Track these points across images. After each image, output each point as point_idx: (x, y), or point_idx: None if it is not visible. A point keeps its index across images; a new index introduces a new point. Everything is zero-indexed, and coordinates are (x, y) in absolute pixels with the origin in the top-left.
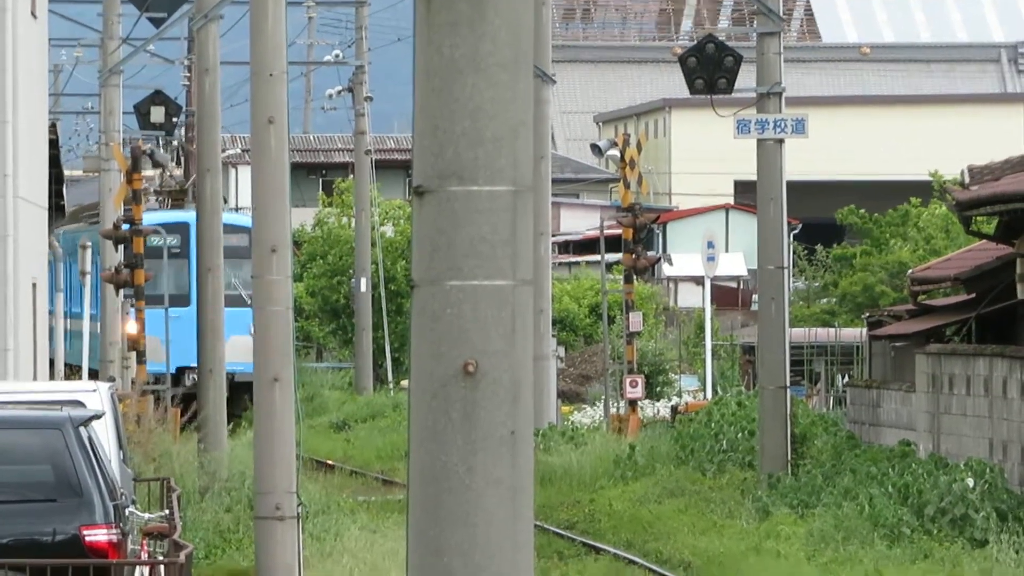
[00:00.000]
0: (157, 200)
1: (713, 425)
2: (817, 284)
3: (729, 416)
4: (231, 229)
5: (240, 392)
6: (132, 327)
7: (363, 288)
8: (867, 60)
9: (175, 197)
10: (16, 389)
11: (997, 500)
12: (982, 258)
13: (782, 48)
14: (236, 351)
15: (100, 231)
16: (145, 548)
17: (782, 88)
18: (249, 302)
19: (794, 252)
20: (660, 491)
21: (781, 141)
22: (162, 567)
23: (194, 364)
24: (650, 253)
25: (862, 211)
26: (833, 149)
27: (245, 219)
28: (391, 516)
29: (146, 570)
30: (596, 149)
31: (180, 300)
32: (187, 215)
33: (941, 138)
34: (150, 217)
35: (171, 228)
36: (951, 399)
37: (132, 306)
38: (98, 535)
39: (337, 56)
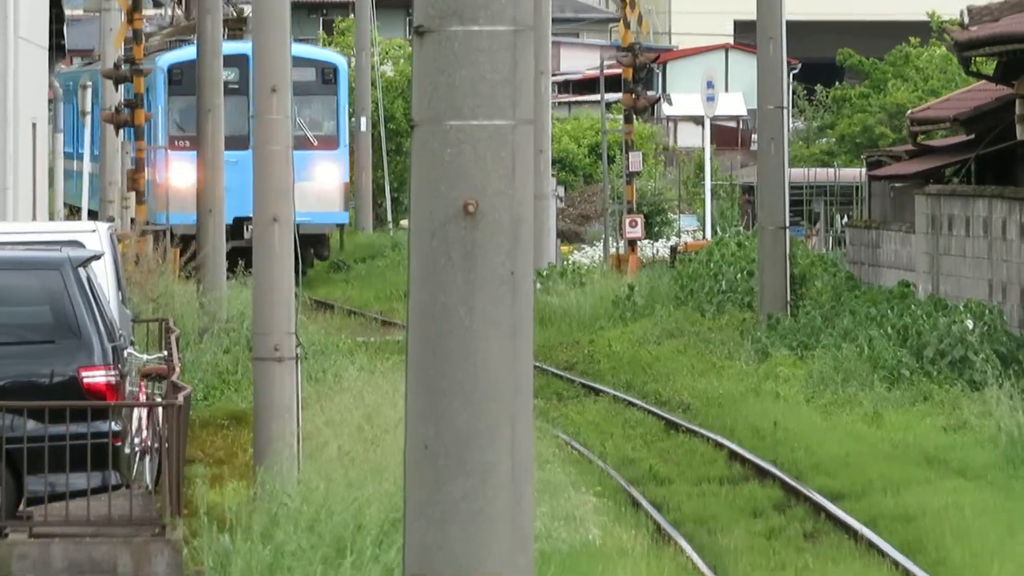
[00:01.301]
0: None
1: (712, 265)
2: (816, 124)
3: (728, 256)
4: (299, 62)
5: (306, 245)
6: (183, 174)
7: (363, 127)
8: None
9: (232, 26)
10: (15, 230)
11: (996, 342)
12: (981, 99)
13: None
14: (302, 200)
15: (101, 70)
16: (143, 389)
17: None
18: (315, 144)
19: (793, 92)
20: (659, 332)
21: None
22: (160, 409)
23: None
24: (650, 93)
25: (859, 56)
26: None
27: (314, 50)
28: (390, 357)
29: (144, 412)
30: None
31: (238, 142)
32: (245, 46)
33: None
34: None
35: (227, 61)
36: (950, 240)
37: (133, 151)
38: (96, 376)
39: None
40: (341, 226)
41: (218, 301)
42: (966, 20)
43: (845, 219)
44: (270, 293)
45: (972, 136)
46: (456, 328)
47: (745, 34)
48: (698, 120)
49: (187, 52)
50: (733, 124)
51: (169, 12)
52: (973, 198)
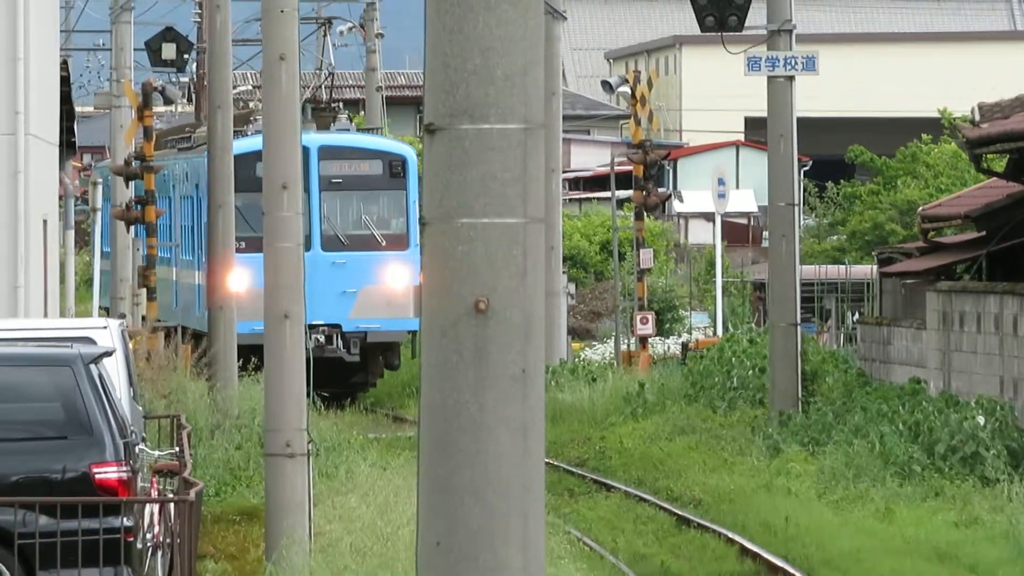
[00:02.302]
0: None
1: (724, 362)
2: (827, 221)
3: (740, 353)
4: (364, 154)
5: (375, 354)
6: (241, 279)
7: None
8: None
9: (237, 121)
10: (27, 326)
11: (1008, 438)
12: (992, 196)
13: None
14: (371, 305)
15: (111, 167)
16: (155, 486)
17: (793, 25)
18: (383, 243)
19: (805, 189)
20: (671, 428)
21: (792, 78)
22: (172, 504)
23: (321, 321)
24: (661, 189)
25: (870, 154)
26: (844, 86)
27: (381, 141)
28: (401, 453)
29: (156, 508)
30: (607, 86)
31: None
32: (306, 138)
33: (951, 75)
34: (255, 141)
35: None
36: (962, 336)
37: (143, 246)
38: (108, 472)
39: None
40: (413, 333)
41: (230, 397)
42: (977, 117)
43: (856, 316)
44: (281, 389)
45: (983, 233)
46: (467, 425)
47: (756, 131)
48: (709, 217)
49: (240, 145)
50: (744, 221)
51: (178, 109)
52: (984, 294)
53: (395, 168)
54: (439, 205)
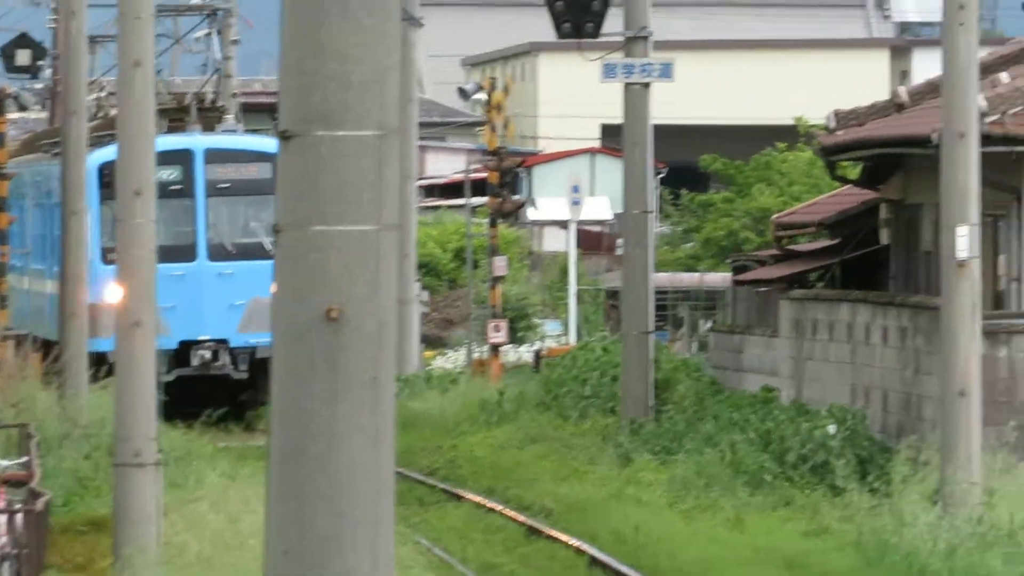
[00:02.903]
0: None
1: (577, 370)
2: (682, 228)
3: (593, 361)
4: (250, 156)
5: (265, 370)
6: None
7: None
8: (733, 4)
9: (172, 116)
10: None
11: (858, 447)
12: (846, 203)
13: None
14: (258, 317)
15: None
16: (3, 495)
17: (649, 32)
18: (235, 252)
19: (660, 196)
20: (522, 437)
21: (647, 85)
22: (19, 515)
23: (207, 336)
24: (515, 197)
25: (723, 161)
26: (700, 93)
27: (269, 142)
28: (251, 463)
29: (3, 518)
30: (463, 93)
31: (182, 253)
32: (191, 140)
33: (807, 82)
34: None
35: (169, 157)
36: (814, 345)
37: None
38: None
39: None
40: None
41: (80, 406)
42: (832, 124)
43: (709, 324)
44: (131, 398)
45: (837, 240)
46: (319, 432)
47: (611, 138)
48: (563, 224)
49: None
50: (598, 228)
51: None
52: (837, 303)
53: None
54: (293, 212)
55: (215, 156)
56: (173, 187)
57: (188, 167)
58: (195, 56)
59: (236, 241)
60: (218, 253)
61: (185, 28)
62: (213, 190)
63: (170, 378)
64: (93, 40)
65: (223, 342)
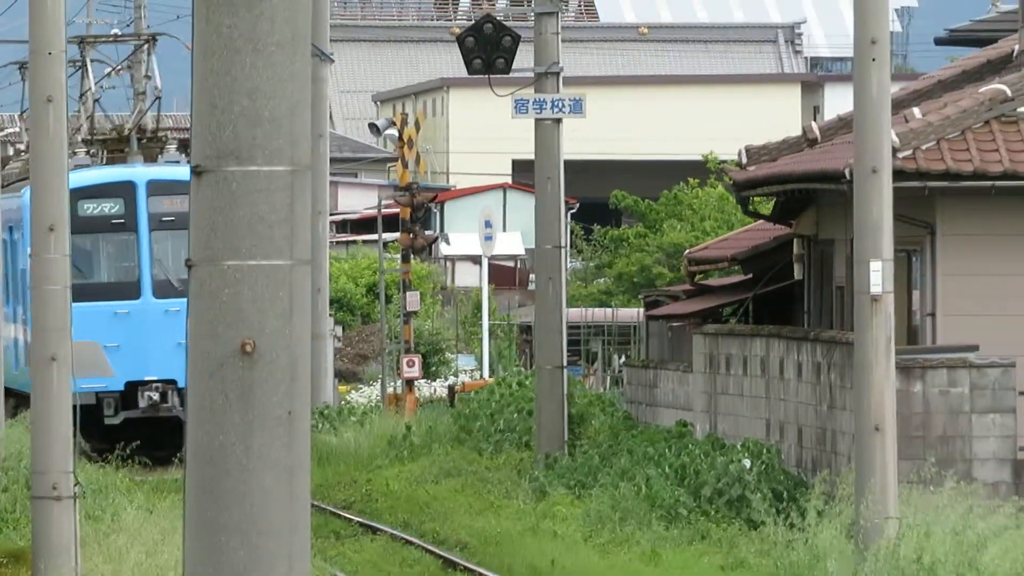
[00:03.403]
0: (88, 153)
1: (493, 404)
2: (594, 264)
3: (507, 396)
4: (171, 187)
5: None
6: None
7: None
8: (645, 40)
9: (111, 147)
10: None
11: (774, 481)
12: (758, 238)
13: (560, 28)
14: (179, 359)
15: None
16: None
17: (560, 68)
18: (182, 288)
19: (572, 232)
20: (437, 471)
21: (559, 121)
22: None
23: (154, 376)
24: (427, 232)
25: (634, 198)
26: (611, 129)
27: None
28: (168, 496)
29: None
30: (374, 128)
31: (126, 291)
32: (132, 172)
33: (719, 118)
34: (75, 177)
35: (109, 190)
36: (728, 379)
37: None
38: None
39: (116, 35)
40: None
41: None
42: (744, 160)
43: (623, 358)
44: (48, 431)
45: (750, 275)
46: (233, 467)
47: (523, 173)
48: (476, 259)
49: (108, 173)
50: (511, 263)
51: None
52: (751, 337)
53: None
54: (205, 247)
55: (158, 188)
56: (115, 221)
57: (130, 199)
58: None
59: (182, 277)
60: (164, 290)
61: (117, 57)
62: (157, 223)
63: (117, 421)
64: (23, 67)
65: (171, 382)
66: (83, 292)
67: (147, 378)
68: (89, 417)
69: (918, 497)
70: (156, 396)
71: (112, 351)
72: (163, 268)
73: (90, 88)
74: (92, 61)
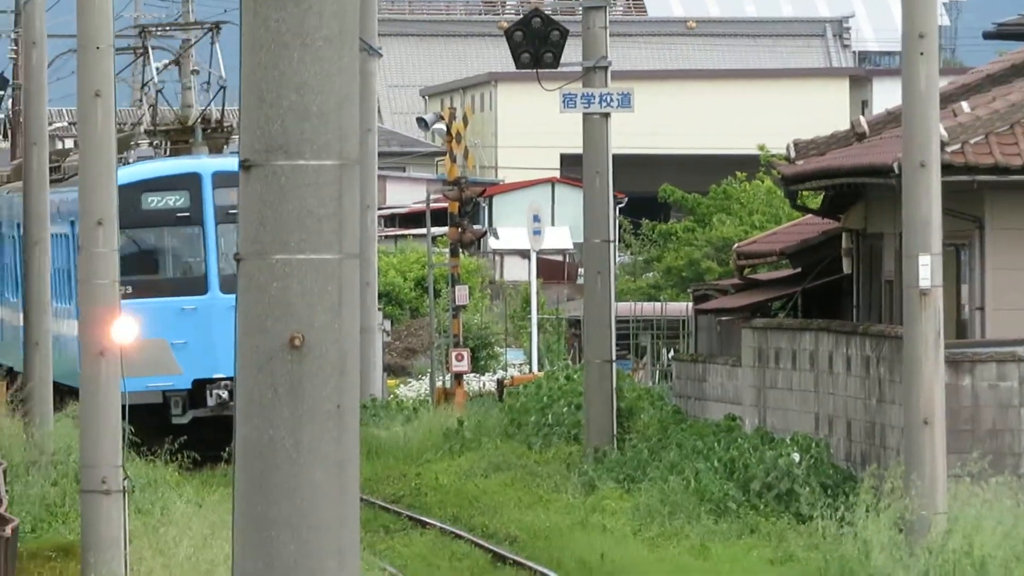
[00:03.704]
0: (151, 144)
1: (542, 399)
2: (643, 258)
3: (556, 390)
4: (238, 179)
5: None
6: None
7: None
8: (693, 34)
9: (175, 138)
10: None
11: (822, 475)
12: (807, 232)
13: (608, 22)
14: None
15: None
16: None
17: (608, 62)
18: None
19: (620, 226)
20: (486, 465)
21: (607, 115)
22: None
23: (223, 374)
24: (476, 226)
25: (682, 192)
26: (659, 123)
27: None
28: (217, 490)
29: None
30: (422, 123)
31: (193, 286)
32: (197, 163)
33: (767, 112)
34: (138, 170)
35: (174, 182)
36: (777, 373)
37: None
38: None
39: (178, 23)
40: None
41: (46, 434)
42: (793, 154)
43: (672, 352)
44: (97, 425)
45: (799, 270)
46: (283, 462)
47: (571, 167)
48: (524, 253)
49: (121, 175)
50: (559, 257)
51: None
52: (800, 331)
53: None
54: (254, 241)
55: (225, 179)
56: (180, 214)
57: (196, 192)
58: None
59: (234, 272)
60: (231, 285)
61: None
62: (224, 216)
63: (184, 420)
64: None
65: (230, 379)
66: (148, 288)
67: (215, 376)
68: (156, 416)
69: (967, 491)
70: (225, 394)
71: (179, 348)
72: (231, 262)
73: (152, 78)
74: (153, 49)
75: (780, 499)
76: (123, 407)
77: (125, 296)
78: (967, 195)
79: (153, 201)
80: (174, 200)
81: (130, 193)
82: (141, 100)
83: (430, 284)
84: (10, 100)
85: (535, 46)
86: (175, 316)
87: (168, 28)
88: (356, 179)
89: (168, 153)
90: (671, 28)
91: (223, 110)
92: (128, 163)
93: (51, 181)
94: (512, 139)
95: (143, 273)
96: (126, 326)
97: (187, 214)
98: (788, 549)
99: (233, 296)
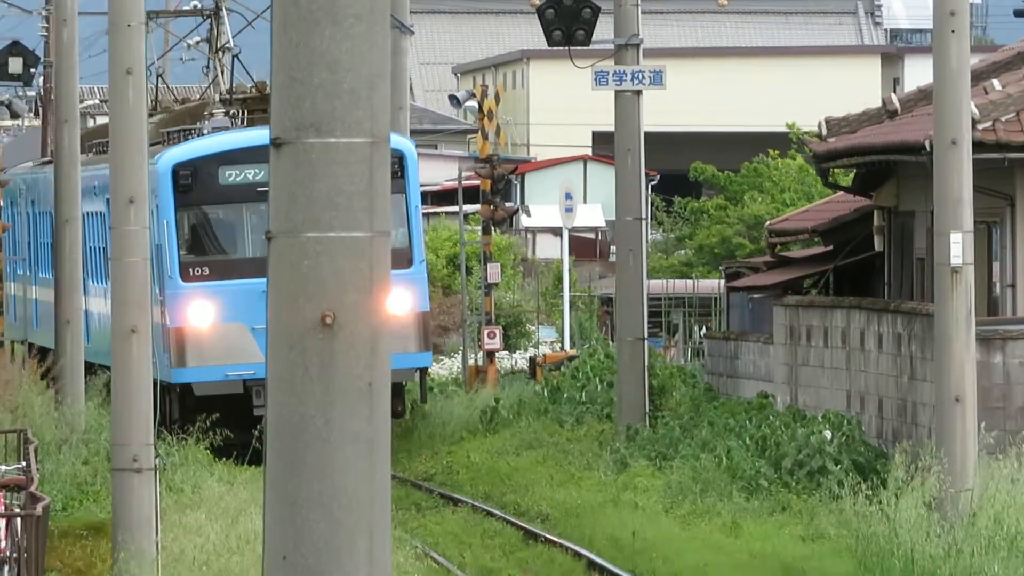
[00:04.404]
0: (227, 114)
1: (581, 376)
2: (674, 235)
3: (593, 368)
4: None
5: None
6: (202, 313)
7: None
8: (725, 12)
9: (252, 107)
10: None
11: (854, 453)
12: (839, 210)
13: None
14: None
15: None
16: (1, 500)
17: (640, 40)
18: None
19: (652, 203)
20: (518, 443)
21: (639, 92)
22: (19, 519)
23: None
24: (508, 204)
25: (713, 170)
26: (691, 100)
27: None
28: (248, 468)
29: (3, 522)
30: (454, 100)
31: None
32: (215, 142)
33: (799, 90)
34: (214, 142)
35: (253, 155)
36: (809, 351)
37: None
38: None
39: (195, 6)
40: (423, 371)
41: (77, 412)
42: (824, 132)
43: (704, 330)
44: (128, 404)
45: (830, 247)
46: (313, 440)
47: (603, 145)
48: (556, 231)
49: (196, 147)
50: (592, 235)
51: (25, 123)
52: (831, 309)
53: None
54: (285, 219)
55: None
56: (260, 189)
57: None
58: (185, 65)
59: None
60: None
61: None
62: None
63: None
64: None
65: None
66: (226, 269)
67: None
68: (237, 408)
69: (999, 468)
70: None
71: (260, 334)
72: None
73: (228, 42)
74: (229, 12)
75: (812, 476)
76: (155, 387)
77: (202, 278)
78: (998, 173)
79: (231, 175)
80: (253, 174)
81: (206, 166)
82: (213, 65)
83: (462, 262)
84: (41, 78)
85: (567, 23)
86: (256, 299)
87: None
88: (387, 157)
89: (245, 124)
90: (703, 5)
91: None
92: (203, 134)
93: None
94: (544, 116)
95: (221, 253)
96: (202, 310)
97: (268, 188)
98: (819, 527)
99: None
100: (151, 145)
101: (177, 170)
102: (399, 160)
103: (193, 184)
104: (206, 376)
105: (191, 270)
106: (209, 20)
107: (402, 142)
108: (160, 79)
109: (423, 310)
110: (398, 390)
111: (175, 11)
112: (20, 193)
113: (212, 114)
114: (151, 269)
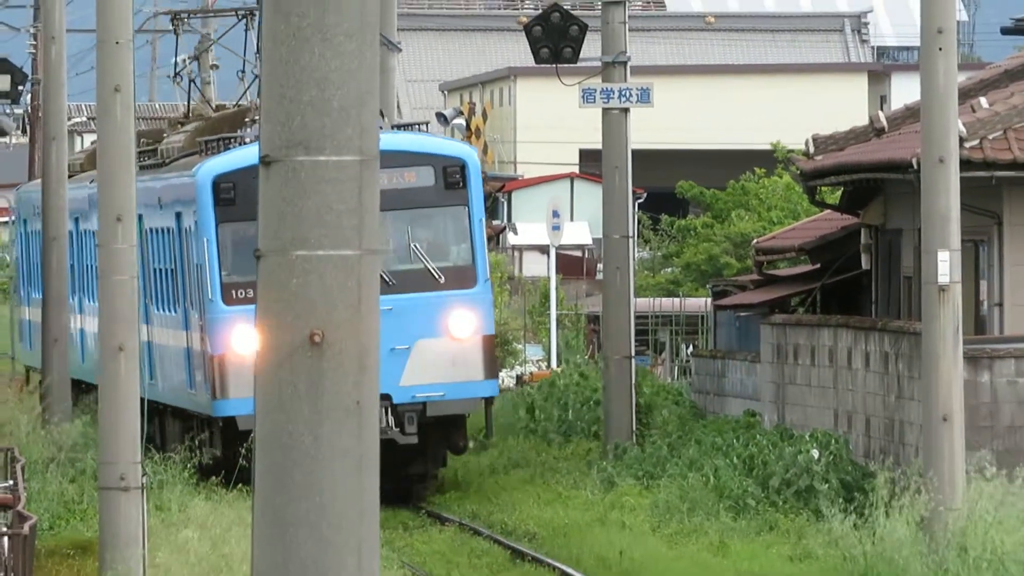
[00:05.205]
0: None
1: (557, 394)
2: (661, 253)
3: (572, 386)
4: (406, 159)
5: (437, 432)
6: (246, 339)
7: None
8: (712, 29)
9: (225, 124)
10: None
11: (842, 471)
12: (826, 228)
13: (627, 17)
14: (427, 364)
15: None
16: None
17: (627, 57)
18: (442, 280)
19: (639, 221)
20: (505, 461)
21: (626, 110)
22: (5, 539)
23: (418, 396)
24: (495, 222)
25: (700, 188)
26: (679, 118)
27: (432, 141)
28: (236, 487)
29: None
30: (442, 118)
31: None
32: (247, 155)
33: (786, 107)
34: (255, 152)
35: None
36: (796, 369)
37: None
38: None
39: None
40: (488, 401)
41: (64, 430)
42: (811, 150)
43: (691, 348)
44: (116, 422)
45: (818, 265)
46: (302, 458)
47: (590, 163)
48: (543, 249)
49: (238, 156)
50: (579, 253)
51: (12, 140)
52: (819, 327)
53: (452, 176)
54: (274, 237)
55: None
56: None
57: None
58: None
59: (393, 269)
60: None
61: (162, 52)
62: None
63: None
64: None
65: (385, 397)
66: None
67: (415, 397)
68: None
69: (987, 487)
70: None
71: None
72: None
73: None
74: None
75: (799, 495)
76: (142, 404)
77: (247, 300)
78: (986, 191)
79: None
80: None
81: (250, 178)
82: (244, 69)
83: None
84: (29, 95)
85: (554, 41)
86: None
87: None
88: (376, 175)
89: None
90: (690, 23)
91: None
92: (245, 143)
93: (149, 166)
94: (531, 134)
95: None
96: (247, 336)
97: None
98: (807, 546)
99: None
100: (187, 156)
101: (218, 182)
102: (460, 169)
103: (236, 197)
104: (251, 409)
105: (234, 292)
106: (245, 20)
107: (464, 150)
108: (193, 84)
109: (488, 333)
110: (459, 422)
111: (212, 10)
112: (34, 211)
113: (254, 121)
114: (187, 289)
